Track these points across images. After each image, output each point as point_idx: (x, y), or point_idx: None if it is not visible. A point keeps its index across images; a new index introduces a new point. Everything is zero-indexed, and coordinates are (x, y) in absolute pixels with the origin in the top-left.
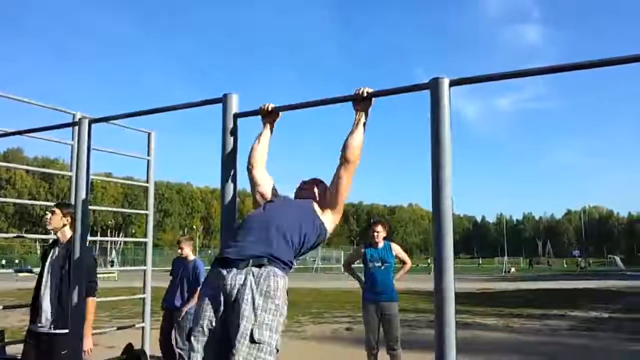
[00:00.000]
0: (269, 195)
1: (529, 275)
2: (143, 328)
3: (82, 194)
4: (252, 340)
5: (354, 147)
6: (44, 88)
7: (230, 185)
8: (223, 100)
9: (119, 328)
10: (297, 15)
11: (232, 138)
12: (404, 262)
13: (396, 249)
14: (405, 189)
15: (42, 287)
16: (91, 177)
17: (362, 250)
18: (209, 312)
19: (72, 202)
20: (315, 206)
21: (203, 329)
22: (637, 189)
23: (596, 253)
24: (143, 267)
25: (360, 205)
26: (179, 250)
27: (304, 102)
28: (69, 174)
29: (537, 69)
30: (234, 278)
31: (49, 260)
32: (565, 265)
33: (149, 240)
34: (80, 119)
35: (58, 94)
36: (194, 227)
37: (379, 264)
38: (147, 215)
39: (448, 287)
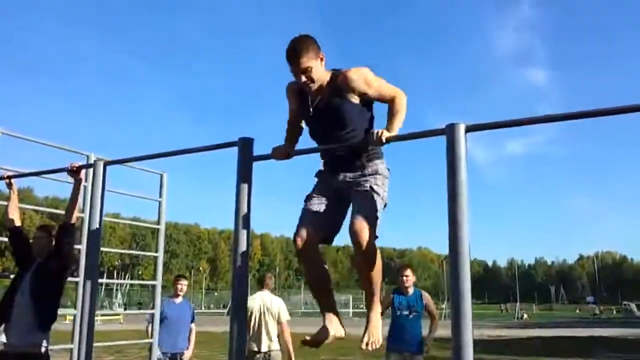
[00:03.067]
0: None
1: (543, 322)
2: None
3: (94, 237)
4: None
5: None
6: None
7: (243, 231)
8: (238, 144)
9: None
10: None
11: (246, 182)
12: (431, 316)
13: (427, 299)
14: (415, 233)
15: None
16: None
17: (391, 296)
18: None
19: (83, 245)
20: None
21: None
22: None
23: (610, 299)
24: (151, 311)
25: None
26: (182, 287)
27: (319, 147)
28: (81, 215)
29: (552, 115)
30: None
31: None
32: (578, 311)
33: (158, 282)
34: (95, 160)
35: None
36: (201, 268)
37: (407, 312)
38: (156, 257)
39: (467, 343)
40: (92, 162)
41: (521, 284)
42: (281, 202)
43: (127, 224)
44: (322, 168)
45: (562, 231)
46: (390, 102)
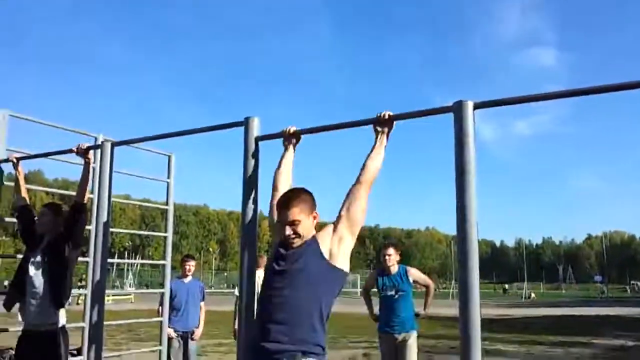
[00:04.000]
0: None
1: (550, 301)
2: (160, 351)
3: (104, 216)
4: None
5: (375, 169)
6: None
7: (251, 208)
8: (245, 123)
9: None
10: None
11: (253, 161)
12: (426, 286)
13: (414, 274)
14: (422, 213)
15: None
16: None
17: (375, 277)
18: None
19: (93, 224)
20: (325, 251)
21: None
22: None
23: (618, 279)
24: (161, 290)
25: (377, 228)
26: (189, 267)
27: (326, 125)
28: (90, 195)
29: (561, 91)
30: None
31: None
32: (588, 291)
33: (168, 262)
34: (103, 141)
35: (71, 118)
36: (211, 249)
37: (393, 292)
38: (166, 237)
39: (474, 319)
40: (99, 143)
41: (529, 263)
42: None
43: (137, 204)
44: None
45: (571, 211)
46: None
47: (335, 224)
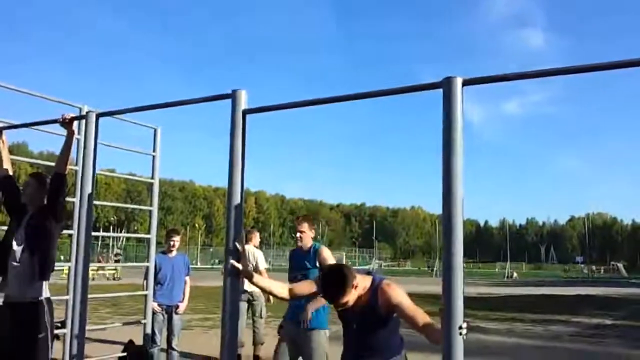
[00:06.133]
0: None
1: (532, 280)
2: (145, 325)
3: (88, 189)
4: None
5: (432, 341)
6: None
7: (237, 184)
8: (232, 96)
9: (124, 324)
10: (300, 18)
11: (240, 135)
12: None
13: (322, 256)
14: (408, 192)
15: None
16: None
17: (289, 255)
18: None
19: (77, 197)
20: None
21: None
22: None
23: (599, 260)
24: (146, 264)
25: (363, 206)
26: (174, 243)
27: (312, 100)
28: (75, 167)
29: (551, 69)
30: None
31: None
32: (566, 272)
33: (153, 236)
34: (87, 112)
35: (58, 90)
36: (196, 225)
37: (297, 273)
38: (151, 211)
39: (457, 296)
40: (84, 113)
41: (512, 243)
42: (276, 160)
43: (122, 178)
44: (344, 357)
45: (555, 192)
46: None
47: (402, 314)
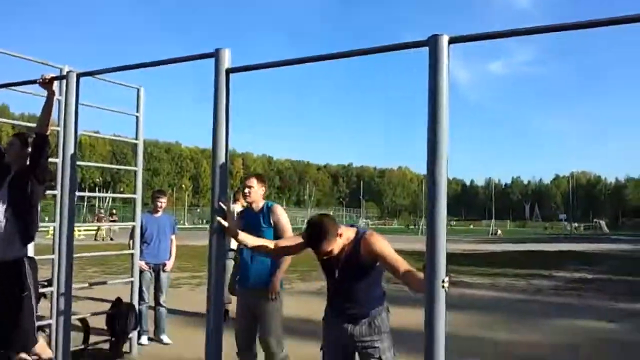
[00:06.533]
0: None
1: (516, 237)
2: (132, 282)
3: (70, 149)
4: None
5: (412, 287)
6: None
7: (222, 143)
8: (215, 55)
9: (112, 283)
10: None
11: (224, 94)
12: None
13: (278, 216)
14: (395, 153)
15: None
16: (79, 133)
17: (240, 215)
18: None
19: (60, 157)
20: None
21: None
22: (625, 155)
23: (583, 217)
24: (132, 223)
25: (350, 167)
26: (161, 204)
27: (298, 58)
28: (57, 128)
29: (537, 27)
30: None
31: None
32: (546, 229)
33: (138, 196)
34: (68, 72)
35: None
36: (183, 186)
37: (248, 233)
38: (136, 172)
39: (440, 249)
40: (64, 74)
41: (497, 202)
42: (263, 121)
43: (106, 139)
44: (326, 312)
45: (540, 151)
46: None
47: (384, 262)
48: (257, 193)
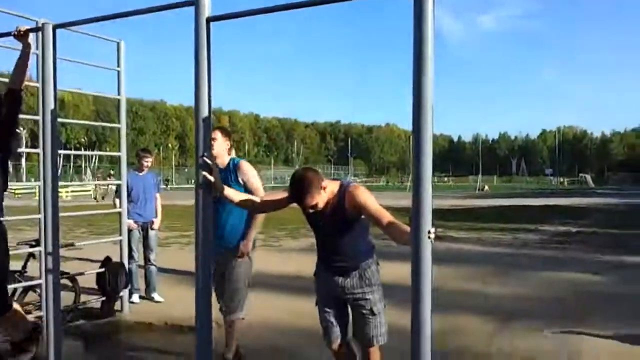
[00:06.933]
0: None
1: (502, 193)
2: (120, 242)
3: (51, 104)
4: None
5: (395, 239)
6: None
7: (204, 94)
8: (195, 3)
9: (100, 242)
10: None
11: (205, 45)
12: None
13: (246, 173)
14: (383, 109)
15: None
16: (60, 90)
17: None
18: None
19: (40, 113)
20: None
21: None
22: (611, 108)
23: (569, 172)
24: (117, 182)
25: (338, 124)
26: (147, 163)
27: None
28: (35, 84)
29: None
30: None
31: None
32: (528, 183)
33: (123, 154)
34: (43, 24)
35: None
36: (169, 145)
37: (215, 192)
38: (119, 129)
39: (425, 203)
40: (40, 26)
41: (484, 158)
42: (249, 78)
43: (90, 97)
44: (317, 266)
45: (528, 106)
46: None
47: (368, 213)
48: (221, 146)
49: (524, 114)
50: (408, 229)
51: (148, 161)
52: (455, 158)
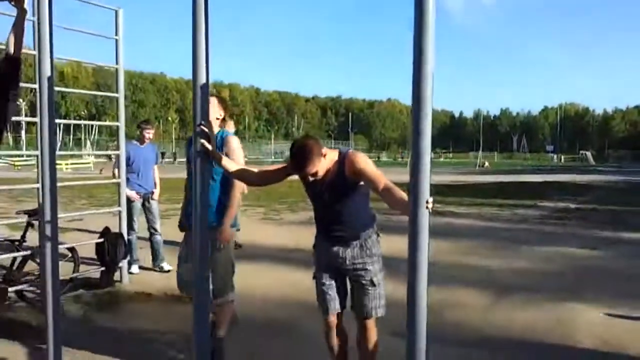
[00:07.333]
0: None
1: (503, 169)
2: (120, 212)
3: (47, 71)
4: None
5: (392, 205)
6: None
7: (202, 62)
8: None
9: (100, 213)
10: None
11: (202, 8)
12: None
13: (230, 145)
14: (384, 84)
15: None
16: (58, 58)
17: (188, 143)
18: None
19: (37, 83)
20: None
21: None
22: (614, 85)
23: (570, 149)
24: (116, 152)
25: (339, 99)
26: (148, 135)
27: None
28: (33, 52)
29: None
30: None
31: None
32: (526, 160)
33: (121, 124)
34: None
35: None
36: (169, 118)
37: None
38: (117, 98)
39: (423, 177)
40: None
41: (485, 134)
42: (250, 51)
43: (89, 69)
44: (316, 237)
45: (530, 82)
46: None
47: (366, 178)
48: (212, 114)
49: (526, 90)
50: (405, 196)
51: (149, 132)
52: (456, 134)
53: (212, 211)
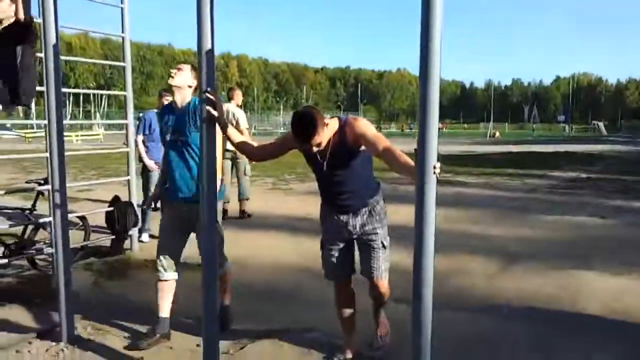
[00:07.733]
0: None
1: (513, 139)
2: (129, 181)
3: (52, 39)
4: None
5: (395, 168)
6: None
7: (207, 25)
8: None
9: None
10: None
11: None
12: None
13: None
14: (394, 54)
15: None
16: (66, 30)
17: (162, 112)
18: None
19: (42, 51)
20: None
21: None
22: (627, 54)
23: (582, 119)
24: (125, 121)
25: (348, 69)
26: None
27: None
28: (38, 20)
29: None
30: None
31: None
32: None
33: (129, 94)
34: None
35: None
36: None
37: (174, 136)
38: (124, 67)
39: (431, 147)
40: None
41: (496, 104)
42: (258, 22)
43: (96, 40)
44: (322, 208)
45: (541, 52)
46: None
47: (366, 141)
48: (184, 80)
49: (539, 59)
50: (408, 159)
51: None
52: (467, 105)
53: (188, 180)
